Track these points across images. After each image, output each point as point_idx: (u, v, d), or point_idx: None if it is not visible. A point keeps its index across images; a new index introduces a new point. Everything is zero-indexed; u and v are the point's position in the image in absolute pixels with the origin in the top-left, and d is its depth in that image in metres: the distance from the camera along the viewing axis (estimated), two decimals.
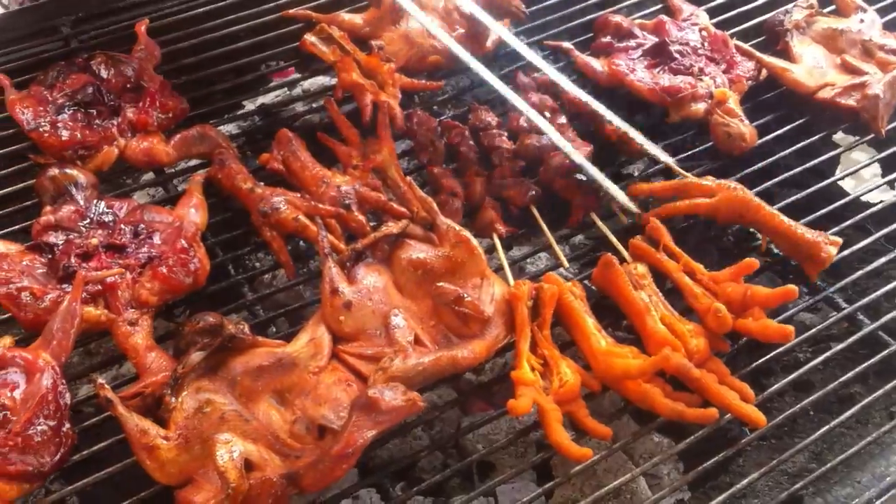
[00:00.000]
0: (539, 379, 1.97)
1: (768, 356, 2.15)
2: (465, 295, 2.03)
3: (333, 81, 2.95)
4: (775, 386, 2.12)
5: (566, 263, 2.27)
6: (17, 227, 2.27)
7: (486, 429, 2.53)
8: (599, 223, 2.36)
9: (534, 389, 1.94)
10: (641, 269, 2.18)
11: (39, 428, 1.79)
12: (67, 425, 1.83)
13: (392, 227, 2.12)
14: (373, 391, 1.77)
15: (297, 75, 3.03)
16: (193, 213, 2.22)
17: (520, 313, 2.04)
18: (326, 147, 2.48)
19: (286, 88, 2.98)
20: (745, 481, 2.00)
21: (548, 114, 2.56)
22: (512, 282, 2.15)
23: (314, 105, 2.91)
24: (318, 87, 2.98)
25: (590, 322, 2.06)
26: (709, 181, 2.34)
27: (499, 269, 2.23)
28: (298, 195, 2.27)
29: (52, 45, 2.83)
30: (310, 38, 2.68)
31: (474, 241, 2.12)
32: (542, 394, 1.94)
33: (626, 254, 2.25)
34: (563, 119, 2.55)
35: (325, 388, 1.89)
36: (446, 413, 2.22)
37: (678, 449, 2.03)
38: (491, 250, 2.29)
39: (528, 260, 2.53)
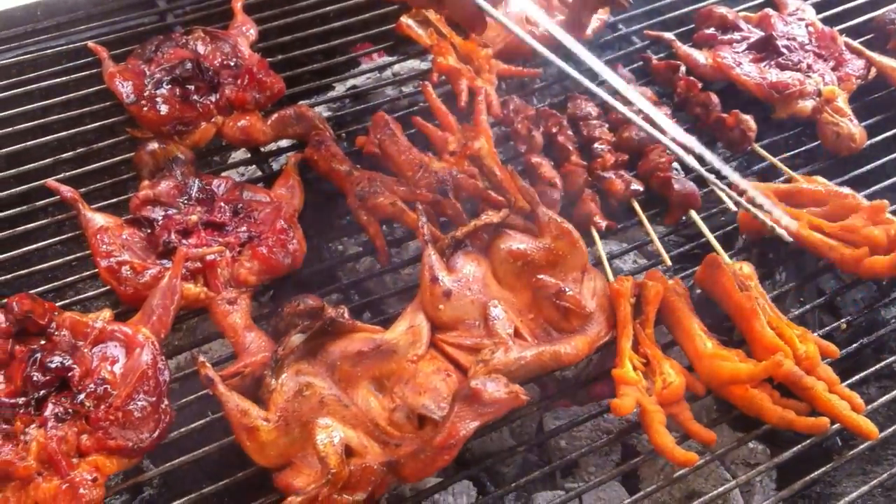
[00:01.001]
0: (641, 379, 1.91)
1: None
2: (567, 289, 1.98)
3: (424, 66, 2.94)
4: (884, 398, 2.04)
5: (668, 261, 2.20)
6: (113, 200, 2.27)
7: (569, 423, 2.49)
8: (699, 222, 2.29)
9: (637, 389, 1.88)
10: (747, 269, 2.11)
11: (139, 403, 1.78)
12: (166, 402, 1.82)
13: (492, 216, 2.07)
14: (475, 382, 1.73)
15: (388, 58, 3.00)
16: (290, 193, 2.20)
17: (622, 310, 1.98)
18: (420, 132, 2.44)
19: (376, 72, 2.94)
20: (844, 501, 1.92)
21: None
22: (611, 277, 2.09)
23: (403, 89, 2.88)
24: (408, 71, 2.93)
25: (695, 322, 2.00)
26: (819, 184, 2.25)
27: (596, 264, 2.17)
28: (395, 180, 2.23)
29: (147, 18, 2.83)
30: (406, 20, 2.64)
31: (576, 234, 2.06)
32: (644, 394, 1.88)
33: (725, 255, 2.17)
34: (665, 110, 2.47)
35: (425, 377, 1.86)
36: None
37: (781, 459, 1.95)
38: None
39: (624, 256, 2.46)
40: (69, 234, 2.22)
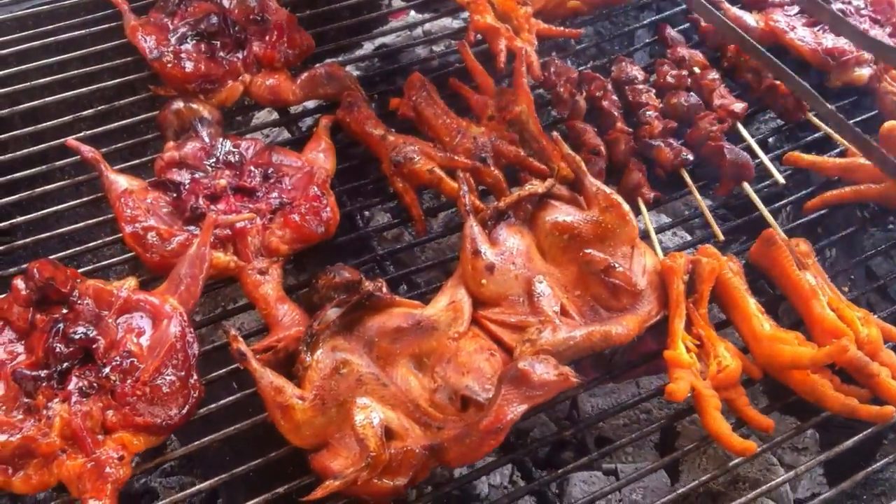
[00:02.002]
0: (695, 361, 1.81)
1: None
2: (616, 264, 1.87)
3: (457, 24, 2.80)
4: None
5: (721, 236, 2.09)
6: (135, 161, 2.16)
7: (605, 401, 2.41)
8: (752, 195, 2.17)
9: (691, 373, 1.78)
10: (804, 247, 2.00)
11: (168, 378, 1.69)
12: (195, 377, 1.72)
13: (537, 186, 1.96)
14: (523, 363, 1.64)
15: (419, 16, 2.86)
16: (323, 158, 2.09)
17: (675, 288, 1.88)
18: (456, 94, 2.32)
19: (406, 30, 2.80)
20: None
21: (697, 69, 2.36)
22: (660, 252, 1.99)
23: (434, 49, 2.75)
24: (440, 30, 2.80)
25: (751, 302, 1.89)
26: None
27: (643, 238, 2.06)
28: (431, 145, 2.12)
29: None
30: None
31: (626, 207, 1.95)
32: (699, 378, 1.78)
33: (780, 231, 2.06)
34: (714, 74, 2.35)
35: (467, 356, 1.76)
36: None
37: (842, 448, 1.85)
38: None
39: (666, 230, 2.35)
40: (89, 197, 2.12)
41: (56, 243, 2.15)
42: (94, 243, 2.04)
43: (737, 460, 1.80)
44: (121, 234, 2.01)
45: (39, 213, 2.11)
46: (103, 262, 2.02)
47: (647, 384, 2.43)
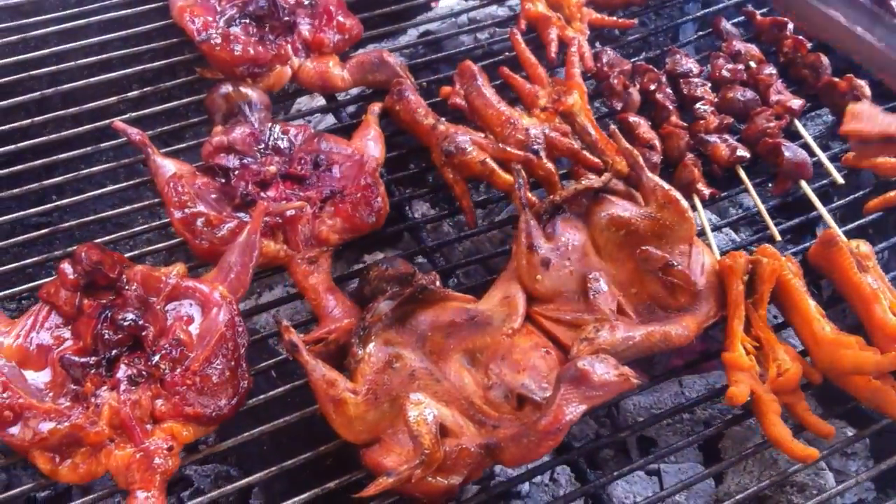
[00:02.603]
0: (755, 364, 1.77)
1: None
2: (675, 262, 1.82)
3: (502, 12, 2.75)
4: None
5: (778, 236, 2.03)
6: (178, 146, 2.12)
7: (649, 400, 2.36)
8: (811, 194, 2.11)
9: (750, 376, 1.74)
10: (865, 248, 1.94)
11: (217, 368, 1.66)
12: (244, 367, 1.69)
13: (593, 180, 1.91)
14: (582, 363, 1.59)
15: (464, 3, 2.80)
16: (372, 146, 2.04)
17: (735, 289, 1.83)
18: (505, 84, 2.27)
19: (452, 17, 2.74)
20: None
21: (753, 64, 2.30)
22: (716, 251, 1.94)
23: (479, 36, 2.70)
24: (485, 18, 2.74)
25: (812, 305, 1.84)
26: None
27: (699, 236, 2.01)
28: (483, 135, 2.07)
29: None
30: None
31: (685, 203, 1.90)
32: (758, 381, 1.74)
33: (839, 232, 2.01)
34: (771, 69, 2.29)
35: (522, 353, 1.72)
36: None
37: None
38: None
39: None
40: (134, 181, 2.09)
41: (95, 228, 2.11)
42: (137, 228, 2.01)
43: (796, 467, 1.75)
44: (161, 221, 2.00)
45: (79, 197, 2.07)
46: (146, 249, 1.99)
47: (689, 383, 2.39)
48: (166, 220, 2.00)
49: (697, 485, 2.14)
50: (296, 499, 1.61)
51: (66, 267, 1.73)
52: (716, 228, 2.26)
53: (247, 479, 1.65)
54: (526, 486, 2.14)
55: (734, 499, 1.77)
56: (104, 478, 1.60)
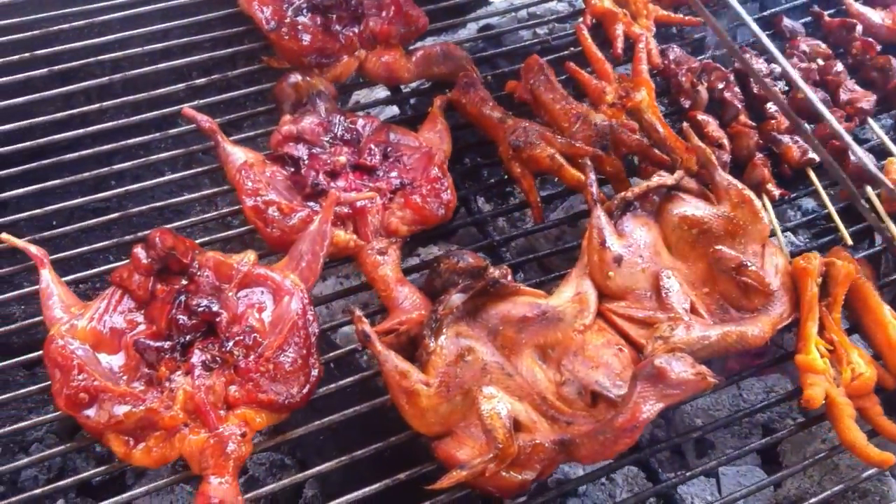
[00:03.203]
0: (829, 367, 1.74)
1: None
2: (749, 263, 1.80)
3: (561, 7, 2.73)
4: None
5: (849, 239, 2.01)
6: (250, 133, 2.12)
7: (707, 402, 2.34)
8: (875, 199, 2.08)
9: (824, 379, 1.71)
10: None
11: (290, 356, 1.65)
12: (315, 356, 1.69)
13: (666, 178, 1.89)
14: (660, 360, 1.57)
15: None
16: (440, 138, 2.03)
17: (809, 291, 1.80)
18: (570, 79, 2.25)
19: (512, 12, 2.73)
20: None
21: (820, 61, 2.27)
22: (786, 252, 1.92)
23: (539, 31, 2.68)
24: (544, 13, 2.73)
25: (886, 309, 1.81)
26: None
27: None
28: (551, 130, 2.05)
29: None
30: None
31: (758, 203, 1.88)
32: (833, 385, 1.72)
33: None
34: (839, 67, 2.25)
35: (594, 350, 1.70)
36: None
37: None
38: None
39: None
40: (195, 170, 2.09)
41: (154, 216, 2.12)
42: (209, 215, 2.00)
43: (868, 472, 1.73)
44: (218, 211, 2.01)
45: (137, 185, 2.08)
46: (213, 236, 1.99)
47: (747, 386, 2.37)
48: (226, 210, 2.02)
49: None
50: (367, 488, 1.60)
51: (140, 251, 1.73)
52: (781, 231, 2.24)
53: (316, 469, 1.64)
54: (584, 486, 2.13)
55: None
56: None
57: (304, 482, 2.23)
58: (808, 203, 2.49)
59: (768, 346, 1.84)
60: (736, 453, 1.79)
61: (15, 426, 1.69)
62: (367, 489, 1.61)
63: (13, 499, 1.59)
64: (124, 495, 1.61)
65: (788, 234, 2.48)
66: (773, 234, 1.99)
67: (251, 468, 2.26)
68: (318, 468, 1.63)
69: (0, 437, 2.24)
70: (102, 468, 1.68)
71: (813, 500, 1.74)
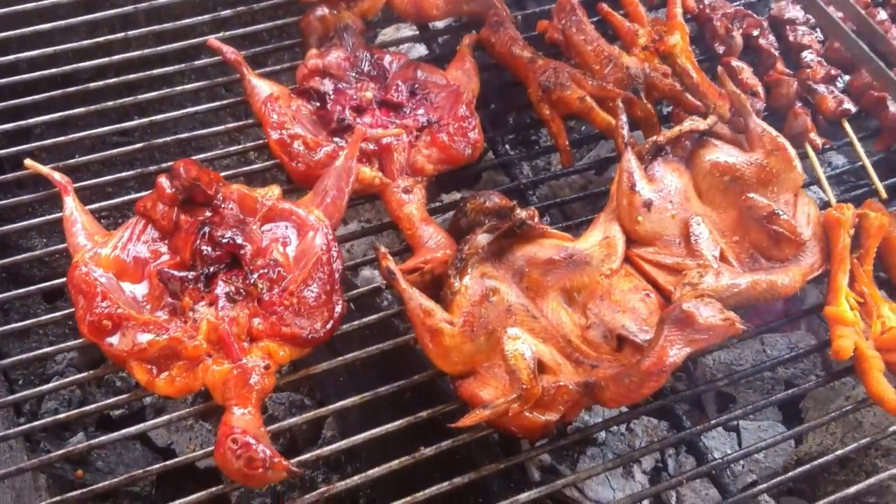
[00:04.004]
0: (859, 320, 1.72)
1: None
2: (780, 211, 1.77)
3: None
4: None
5: (884, 193, 1.96)
6: (275, 67, 2.08)
7: (729, 357, 2.33)
8: None
9: (854, 331, 1.69)
10: None
11: (314, 291, 1.64)
12: (339, 292, 1.67)
13: (699, 123, 1.85)
14: (688, 305, 1.55)
15: None
16: (467, 77, 1.99)
17: (841, 242, 1.77)
18: (603, 21, 2.20)
19: None
20: None
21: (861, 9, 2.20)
22: (833, 201, 1.88)
23: None
24: None
25: None
26: None
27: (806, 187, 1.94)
28: (582, 72, 2.01)
29: None
30: None
31: (792, 151, 1.84)
32: (862, 337, 1.69)
33: None
34: (884, 16, 2.19)
35: (621, 295, 1.68)
36: None
37: None
38: None
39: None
40: (223, 102, 2.06)
41: (175, 149, 2.09)
42: (234, 148, 1.97)
43: (894, 428, 1.71)
44: (241, 146, 1.98)
45: (160, 116, 2.05)
46: (236, 171, 1.96)
47: (771, 342, 2.35)
48: (250, 145, 1.98)
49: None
50: (388, 426, 1.60)
51: (164, 181, 1.71)
52: (811, 183, 2.20)
53: (338, 404, 1.63)
54: (603, 433, 2.13)
55: (816, 462, 1.73)
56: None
57: (324, 422, 2.25)
58: (839, 159, 2.44)
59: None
60: (760, 403, 1.77)
61: (38, 351, 1.68)
62: (388, 426, 1.60)
63: (36, 423, 1.60)
64: (144, 423, 1.62)
65: (817, 189, 2.44)
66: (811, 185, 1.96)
67: (270, 407, 2.27)
68: (339, 403, 1.62)
69: (23, 365, 2.27)
70: (124, 396, 1.68)
71: (837, 452, 1.71)
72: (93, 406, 1.65)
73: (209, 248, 1.65)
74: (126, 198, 1.88)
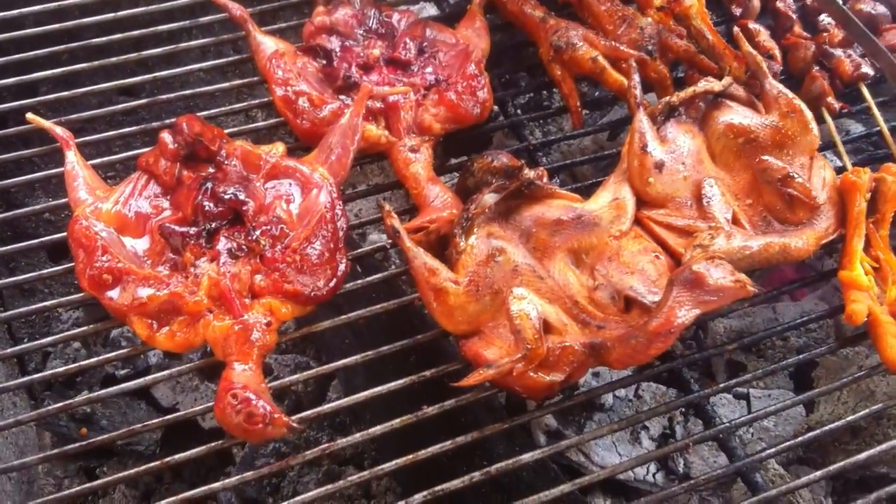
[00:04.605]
0: (874, 285, 1.68)
1: None
2: (795, 174, 1.72)
3: None
4: None
5: None
6: (282, 25, 2.05)
7: (741, 324, 2.30)
8: None
9: (868, 296, 1.65)
10: None
11: (317, 248, 1.62)
12: (343, 251, 1.65)
13: (713, 84, 1.81)
14: (698, 266, 1.52)
15: None
16: (477, 36, 1.95)
17: (856, 206, 1.73)
18: None
19: None
20: None
21: None
22: (849, 165, 1.84)
23: None
24: None
25: None
26: None
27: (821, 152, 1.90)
28: (594, 32, 1.97)
29: None
30: None
31: (809, 113, 1.79)
32: (876, 302, 1.65)
33: None
34: None
35: (630, 256, 1.65)
36: None
37: None
38: None
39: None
40: (228, 59, 2.03)
41: (180, 106, 2.06)
42: (239, 105, 1.94)
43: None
44: (246, 103, 1.95)
45: (164, 72, 2.02)
46: (241, 128, 1.94)
47: (783, 310, 2.31)
48: (255, 102, 1.95)
49: (788, 411, 2.09)
50: (391, 384, 1.58)
51: (167, 136, 1.69)
52: (826, 148, 2.15)
53: (341, 361, 1.61)
54: (610, 399, 2.10)
55: (826, 427, 1.69)
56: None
57: (328, 385, 2.24)
58: (856, 127, 2.39)
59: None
60: (770, 368, 1.74)
61: (40, 304, 1.66)
62: (391, 384, 1.58)
63: (36, 375, 1.59)
64: (145, 378, 1.61)
65: (831, 155, 2.39)
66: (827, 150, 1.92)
67: (275, 368, 2.27)
68: (343, 360, 1.60)
69: (28, 324, 2.27)
70: (123, 351, 1.67)
71: (848, 417, 1.68)
72: (94, 360, 1.63)
73: (211, 204, 1.63)
74: (129, 153, 1.86)
